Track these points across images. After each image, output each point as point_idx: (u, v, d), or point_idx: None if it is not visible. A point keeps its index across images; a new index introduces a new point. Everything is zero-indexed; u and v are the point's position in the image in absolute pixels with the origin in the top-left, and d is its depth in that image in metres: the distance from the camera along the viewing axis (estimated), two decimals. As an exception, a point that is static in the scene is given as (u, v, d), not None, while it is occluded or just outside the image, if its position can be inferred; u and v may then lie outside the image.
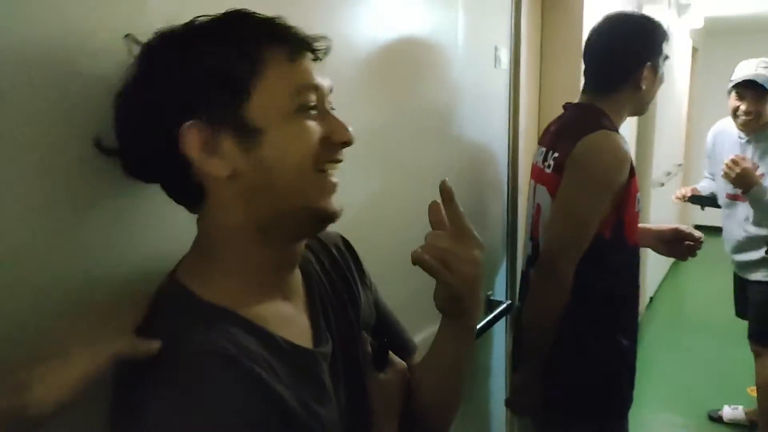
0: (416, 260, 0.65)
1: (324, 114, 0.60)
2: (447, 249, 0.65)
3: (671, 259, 5.30)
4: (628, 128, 3.18)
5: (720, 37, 6.43)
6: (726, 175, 2.25)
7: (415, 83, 1.26)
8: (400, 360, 0.78)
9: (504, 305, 1.72)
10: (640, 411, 2.91)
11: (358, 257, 0.80)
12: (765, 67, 2.30)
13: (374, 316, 0.79)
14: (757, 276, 2.45)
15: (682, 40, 4.88)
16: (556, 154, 1.43)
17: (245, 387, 0.52)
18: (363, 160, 1.08)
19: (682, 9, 4.48)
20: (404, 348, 0.82)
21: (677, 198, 2.57)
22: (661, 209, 4.41)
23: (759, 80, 2.25)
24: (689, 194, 2.51)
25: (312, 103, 0.58)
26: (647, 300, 4.27)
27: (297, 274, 0.66)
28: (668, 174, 4.52)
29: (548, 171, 1.45)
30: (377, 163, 1.14)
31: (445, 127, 1.41)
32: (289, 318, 0.63)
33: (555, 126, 1.55)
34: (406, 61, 1.21)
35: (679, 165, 5.27)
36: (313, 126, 0.58)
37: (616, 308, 1.45)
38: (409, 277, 1.21)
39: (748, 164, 2.27)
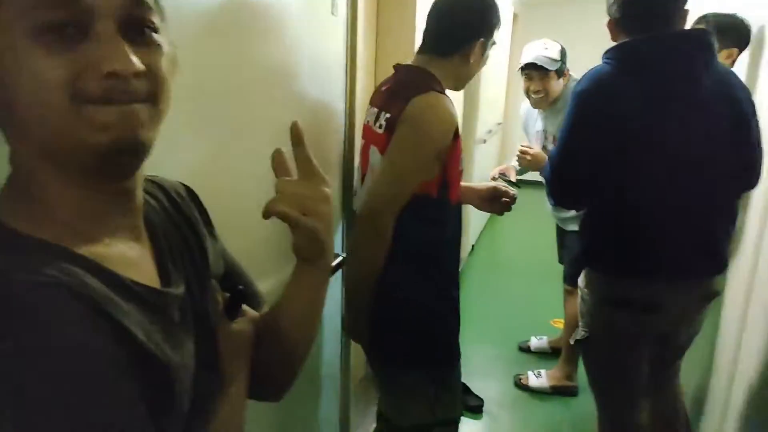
0: (272, 212, 0.64)
1: (94, 36, 0.47)
2: (300, 193, 0.66)
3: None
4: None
5: (538, 4, 7.01)
6: (521, 163, 2.45)
7: (250, 35, 1.17)
8: (251, 310, 0.76)
9: (339, 257, 1.74)
10: (462, 345, 3.19)
11: (203, 205, 0.75)
12: (546, 49, 2.50)
13: (222, 266, 0.75)
14: (573, 227, 2.70)
15: (504, 6, 5.22)
16: (388, 115, 1.45)
17: (86, 321, 0.45)
18: (201, 114, 1.00)
19: (505, -25, 4.77)
20: (253, 300, 0.79)
21: (492, 178, 2.70)
22: (484, 164, 4.79)
23: (539, 62, 2.46)
24: (497, 175, 2.59)
25: (56, 22, 0.45)
26: (469, 248, 4.65)
27: (139, 218, 0.60)
28: (490, 132, 4.89)
29: (380, 131, 1.47)
30: (215, 117, 1.07)
31: (285, 81, 1.34)
32: (135, 260, 0.57)
33: (387, 86, 1.56)
34: (236, 12, 1.12)
35: (499, 124, 5.73)
36: (49, 60, 0.45)
37: (441, 260, 1.54)
38: (250, 229, 1.18)
39: (535, 150, 2.47)
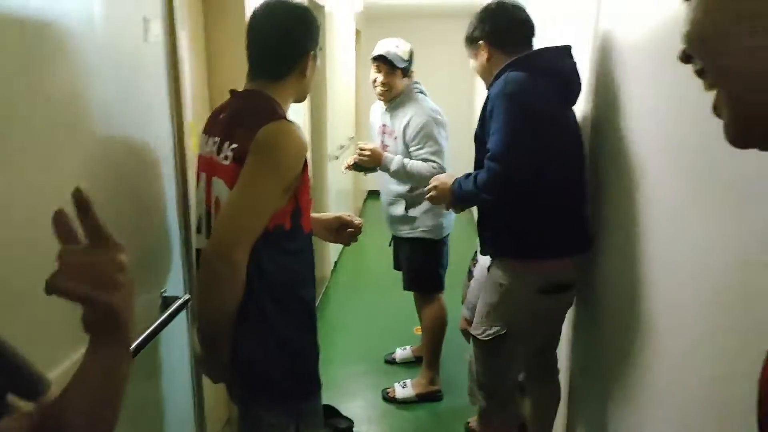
0: (55, 289, 0.57)
1: None
2: (89, 263, 0.59)
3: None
4: (302, 108, 3.32)
5: (378, 20, 7.24)
6: (361, 161, 2.65)
7: (35, 72, 1.02)
8: (25, 405, 0.64)
9: (181, 300, 1.61)
10: (330, 367, 3.17)
11: None
12: (397, 47, 2.68)
13: None
14: (403, 232, 2.85)
15: (347, 23, 5.30)
16: (234, 145, 1.37)
17: None
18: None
19: (344, -7, 4.85)
20: (32, 386, 0.68)
21: (345, 168, 2.81)
22: (337, 180, 4.80)
23: (388, 56, 2.64)
24: (352, 162, 2.75)
25: None
26: (332, 265, 4.63)
27: None
28: (341, 147, 4.92)
29: (226, 162, 1.39)
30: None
31: (87, 119, 1.20)
32: None
33: (226, 114, 1.47)
34: (19, 38, 0.97)
35: (351, 138, 5.80)
36: None
37: (297, 291, 1.49)
38: (36, 303, 1.02)
39: (371, 145, 2.68)
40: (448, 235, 2.87)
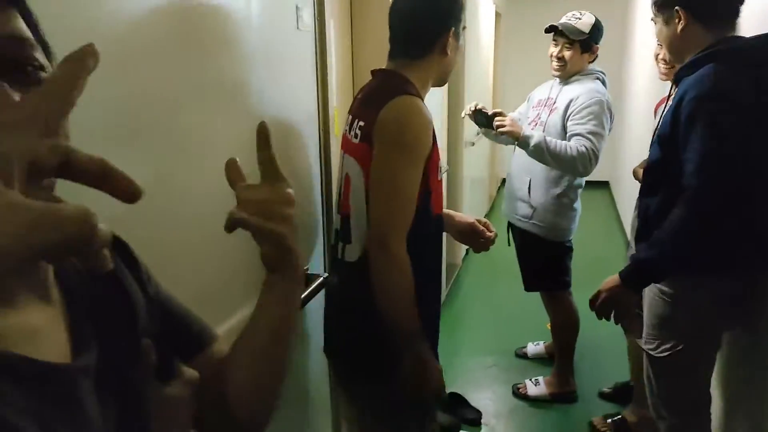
0: (235, 222, 0.61)
1: None
2: (263, 198, 0.63)
3: (484, 212, 5.76)
4: (440, 93, 3.29)
5: (520, 3, 6.97)
6: (499, 123, 2.34)
7: (201, 52, 1.10)
8: (190, 370, 0.68)
9: (321, 278, 1.67)
10: (457, 356, 3.15)
11: (133, 256, 0.67)
12: (578, 19, 2.45)
13: (158, 323, 0.67)
14: (531, 226, 2.66)
15: (486, 5, 5.17)
16: (361, 123, 1.38)
17: None
18: (139, 142, 0.92)
19: (485, -25, 4.72)
20: (201, 338, 0.73)
21: (464, 114, 2.58)
22: (472, 167, 4.72)
23: (561, 27, 2.44)
24: (474, 108, 2.47)
25: None
26: (464, 253, 4.58)
27: (48, 274, 0.52)
28: (478, 133, 4.82)
29: (355, 141, 1.40)
30: (159, 145, 0.98)
31: (243, 100, 1.26)
32: (38, 328, 0.49)
33: (361, 94, 1.49)
34: (187, 28, 1.05)
35: (488, 124, 5.67)
36: None
37: (426, 278, 1.45)
38: (202, 267, 1.11)
39: (508, 117, 2.40)
40: (570, 239, 2.67)
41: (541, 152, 2.29)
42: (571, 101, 2.41)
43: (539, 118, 2.56)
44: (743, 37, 1.53)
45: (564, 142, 2.32)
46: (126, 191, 0.38)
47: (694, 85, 1.46)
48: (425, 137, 1.32)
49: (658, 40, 1.77)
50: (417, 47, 1.42)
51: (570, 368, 2.83)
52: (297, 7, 1.49)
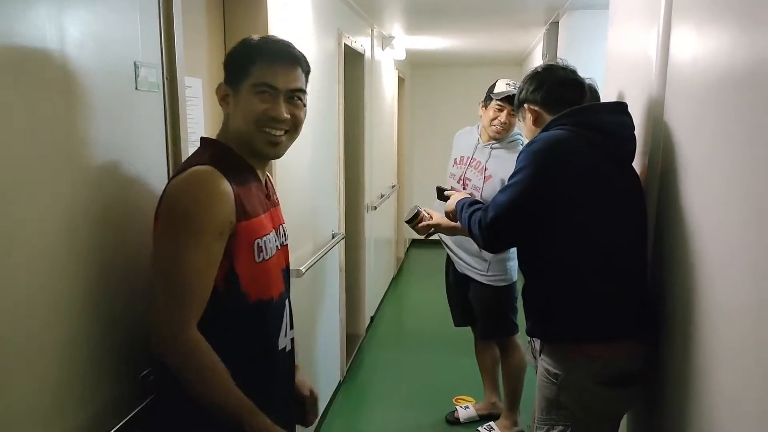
0: None
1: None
2: None
3: (390, 277, 5.62)
4: (335, 159, 3.14)
5: (423, 68, 7.16)
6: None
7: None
8: None
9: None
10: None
11: None
12: (515, 86, 2.61)
13: None
14: (475, 274, 2.78)
15: (389, 71, 5.21)
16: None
17: None
18: None
19: (386, 41, 4.76)
20: None
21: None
22: (376, 230, 4.59)
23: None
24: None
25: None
26: (368, 320, 4.37)
27: None
28: (382, 196, 4.73)
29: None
30: None
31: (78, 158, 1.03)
32: None
33: None
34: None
35: (393, 186, 5.62)
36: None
37: (249, 360, 1.24)
38: None
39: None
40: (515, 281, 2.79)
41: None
42: (503, 180, 2.52)
43: (469, 182, 2.72)
44: (584, 106, 1.65)
45: None
46: None
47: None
48: (212, 211, 1.12)
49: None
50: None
51: (518, 410, 2.92)
52: (135, 65, 1.28)
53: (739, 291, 1.07)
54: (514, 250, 2.67)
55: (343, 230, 3.35)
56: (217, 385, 1.14)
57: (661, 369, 1.52)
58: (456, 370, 2.88)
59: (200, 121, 1.86)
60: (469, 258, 2.77)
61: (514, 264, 2.76)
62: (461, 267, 2.84)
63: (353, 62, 3.81)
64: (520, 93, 1.76)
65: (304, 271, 2.36)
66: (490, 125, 2.67)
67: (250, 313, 1.23)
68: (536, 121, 1.72)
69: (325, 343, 3.09)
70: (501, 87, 2.66)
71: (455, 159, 2.86)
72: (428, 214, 2.27)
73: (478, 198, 2.55)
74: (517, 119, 2.53)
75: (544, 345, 1.63)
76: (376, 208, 4.38)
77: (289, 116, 1.24)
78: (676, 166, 1.45)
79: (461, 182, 2.76)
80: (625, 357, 1.52)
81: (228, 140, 1.26)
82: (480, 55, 6.30)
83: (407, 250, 7.02)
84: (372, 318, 4.56)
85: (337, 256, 3.34)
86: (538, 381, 1.64)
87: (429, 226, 2.26)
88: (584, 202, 1.50)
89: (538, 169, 1.50)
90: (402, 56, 5.19)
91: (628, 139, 1.60)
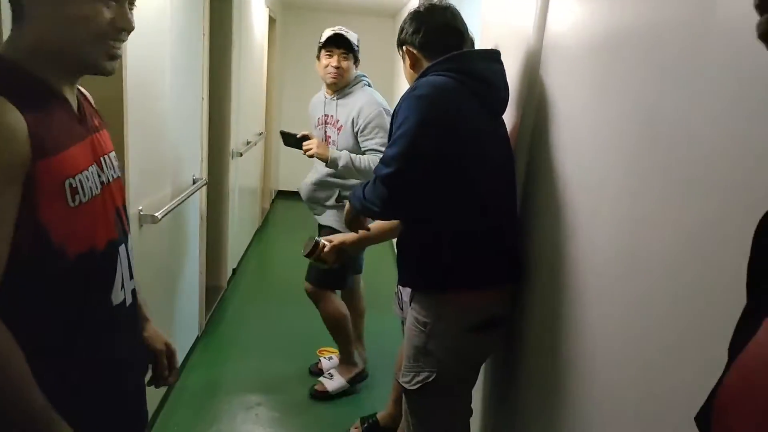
0: None
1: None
2: None
3: (254, 228, 5.42)
4: (198, 95, 2.88)
5: (295, 9, 6.82)
6: (306, 149, 2.54)
7: None
8: None
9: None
10: (216, 396, 2.75)
11: None
12: (347, 32, 2.61)
13: None
14: (329, 220, 2.68)
15: (259, 9, 4.87)
16: None
17: None
18: None
19: (256, -26, 4.42)
20: None
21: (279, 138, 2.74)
22: (242, 178, 4.36)
23: (346, 34, 2.58)
24: (281, 131, 2.69)
25: None
26: (230, 272, 4.18)
27: None
28: (248, 143, 4.48)
29: None
30: None
31: None
32: None
33: None
34: None
35: (260, 133, 5.36)
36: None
37: (63, 339, 1.00)
38: None
39: (316, 139, 2.59)
40: None
41: (349, 170, 2.52)
42: (353, 119, 2.56)
43: (330, 138, 2.67)
44: (460, 52, 1.58)
45: (365, 158, 2.52)
46: None
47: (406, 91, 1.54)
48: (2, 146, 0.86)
49: None
50: (11, 4, 0.95)
51: (351, 352, 2.89)
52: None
53: (609, 239, 1.11)
54: None
55: (205, 176, 3.11)
56: (8, 385, 0.88)
57: (525, 313, 1.59)
58: (319, 322, 2.83)
59: None
60: (327, 209, 2.71)
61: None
62: (321, 219, 2.76)
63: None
64: (401, 33, 1.69)
65: (160, 217, 2.15)
66: (326, 74, 2.61)
67: (70, 273, 0.98)
68: (414, 66, 1.66)
69: (183, 296, 2.88)
70: (326, 34, 2.62)
71: (314, 124, 2.79)
72: (327, 241, 2.06)
73: (335, 149, 2.58)
74: (351, 62, 2.60)
75: (415, 294, 1.63)
76: (242, 155, 4.14)
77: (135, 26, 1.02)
78: (550, 119, 1.48)
79: (325, 143, 2.67)
80: (493, 303, 1.57)
81: (17, 54, 0.95)
82: (353, 2, 6.14)
83: (273, 201, 6.81)
84: (234, 270, 4.37)
85: (198, 203, 3.11)
86: (407, 331, 1.65)
87: (334, 249, 2.03)
88: (468, 151, 1.49)
89: (426, 115, 1.45)
90: (273, -6, 4.87)
91: (504, 87, 1.61)
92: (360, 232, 1.88)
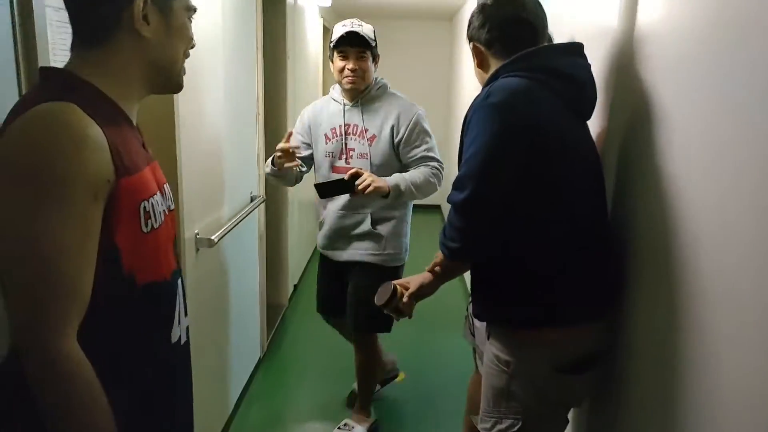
0: None
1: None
2: None
3: (314, 241, 5.32)
4: (252, 109, 2.79)
5: (349, 18, 6.75)
6: (366, 189, 2.05)
7: None
8: None
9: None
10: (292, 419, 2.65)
11: None
12: (361, 26, 2.23)
13: None
14: (361, 253, 2.32)
15: (314, 18, 4.81)
16: None
17: None
18: None
19: (309, -15, 4.36)
20: None
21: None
22: (300, 191, 4.28)
23: (360, 32, 2.19)
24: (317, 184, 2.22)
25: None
26: (291, 289, 4.10)
27: None
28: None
29: None
30: None
31: None
32: None
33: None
34: None
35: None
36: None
37: (138, 374, 0.97)
38: None
39: (367, 172, 2.11)
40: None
41: (411, 193, 2.18)
42: (393, 127, 2.24)
43: (354, 151, 2.28)
44: (537, 48, 1.38)
45: (419, 172, 2.20)
46: None
47: (478, 96, 1.34)
48: (81, 164, 0.81)
49: None
50: (87, 28, 0.92)
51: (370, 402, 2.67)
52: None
53: (745, 240, 0.88)
54: (408, 223, 2.39)
55: (263, 193, 3.03)
56: (92, 421, 0.84)
57: (624, 353, 1.36)
58: (384, 337, 2.65)
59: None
60: (358, 240, 2.33)
61: (407, 241, 2.40)
62: (346, 255, 2.36)
63: (273, 6, 3.42)
64: (469, 27, 1.49)
65: (216, 240, 2.05)
66: (342, 78, 2.24)
67: (137, 302, 0.94)
68: (481, 65, 1.47)
69: (243, 318, 2.79)
70: (337, 32, 2.23)
71: (326, 135, 2.33)
72: (402, 287, 1.56)
73: (368, 166, 2.21)
74: (369, 62, 2.22)
75: (492, 328, 1.44)
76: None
77: None
78: (652, 119, 1.26)
79: (343, 157, 2.29)
80: (589, 338, 1.36)
81: (90, 76, 0.91)
82: (408, 7, 6.00)
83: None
84: (295, 286, 4.28)
85: (257, 221, 3.03)
86: (485, 368, 1.45)
87: (413, 297, 1.52)
88: (557, 163, 1.29)
89: (503, 126, 1.25)
90: (327, 2, 4.81)
91: (591, 85, 1.40)
92: (435, 269, 1.51)
